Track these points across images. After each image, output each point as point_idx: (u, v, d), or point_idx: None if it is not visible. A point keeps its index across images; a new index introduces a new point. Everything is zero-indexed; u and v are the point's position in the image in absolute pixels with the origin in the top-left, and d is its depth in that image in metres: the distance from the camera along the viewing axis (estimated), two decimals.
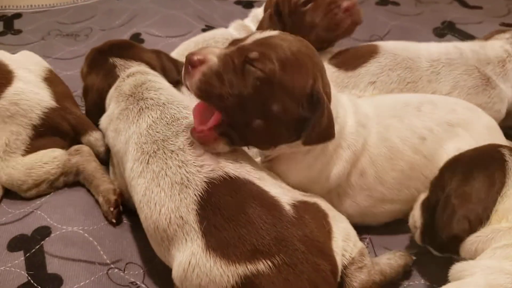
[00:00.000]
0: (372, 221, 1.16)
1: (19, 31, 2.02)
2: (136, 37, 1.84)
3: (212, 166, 0.94)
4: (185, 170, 0.95)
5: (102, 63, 1.31)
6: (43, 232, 1.10)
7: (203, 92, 0.92)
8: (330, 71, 1.33)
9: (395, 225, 1.18)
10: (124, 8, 2.05)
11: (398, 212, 1.15)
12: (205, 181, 0.92)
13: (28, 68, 1.33)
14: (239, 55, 0.92)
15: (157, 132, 1.04)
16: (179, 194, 0.93)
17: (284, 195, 0.95)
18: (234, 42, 0.99)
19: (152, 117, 1.08)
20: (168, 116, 1.07)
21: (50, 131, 1.26)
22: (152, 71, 1.29)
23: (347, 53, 1.42)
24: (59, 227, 1.11)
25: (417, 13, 2.15)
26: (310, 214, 0.93)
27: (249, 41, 0.96)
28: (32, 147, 1.24)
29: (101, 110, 1.26)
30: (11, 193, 1.22)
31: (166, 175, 0.96)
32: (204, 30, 1.90)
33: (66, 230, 1.11)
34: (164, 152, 0.99)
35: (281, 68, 0.91)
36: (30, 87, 1.27)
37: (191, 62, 0.91)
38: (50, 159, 1.22)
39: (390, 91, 1.32)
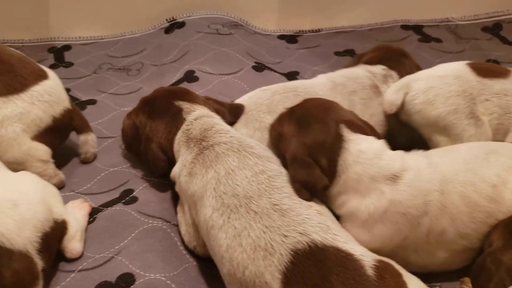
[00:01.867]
0: (448, 268, 1.18)
1: (70, 64, 2.06)
2: (190, 74, 1.87)
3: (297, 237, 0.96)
4: (269, 236, 0.96)
5: (166, 107, 1.33)
6: (127, 279, 1.12)
7: None
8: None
9: (466, 271, 1.20)
10: (174, 44, 2.09)
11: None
12: (290, 252, 0.94)
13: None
14: None
15: (237, 184, 1.06)
16: (263, 260, 0.95)
17: (367, 256, 0.97)
18: None
19: (230, 164, 1.10)
20: (247, 168, 1.09)
21: (58, 129, 1.40)
22: (215, 114, 1.32)
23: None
24: (141, 274, 1.13)
25: (459, 51, 2.19)
26: (389, 274, 0.96)
27: None
28: (38, 136, 1.35)
29: (168, 155, 1.30)
30: (88, 236, 1.25)
31: (249, 236, 0.98)
32: (254, 68, 1.93)
33: (149, 277, 1.13)
34: (248, 212, 1.01)
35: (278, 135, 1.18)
36: (59, 86, 1.44)
37: None
38: None
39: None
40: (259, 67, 1.95)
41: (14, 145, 1.29)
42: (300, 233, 0.96)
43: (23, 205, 1.04)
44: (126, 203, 1.34)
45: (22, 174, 1.17)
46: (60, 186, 1.39)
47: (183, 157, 1.22)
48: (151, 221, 1.28)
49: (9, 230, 0.99)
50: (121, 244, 1.22)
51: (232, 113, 1.39)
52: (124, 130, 1.45)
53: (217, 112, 1.36)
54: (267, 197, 1.02)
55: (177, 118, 1.29)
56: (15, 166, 1.27)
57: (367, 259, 0.96)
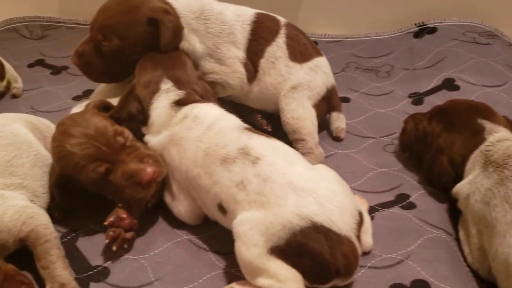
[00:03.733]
0: None
1: None
2: (450, 83, 1.81)
3: None
4: None
5: (467, 122, 1.29)
6: (423, 286, 1.11)
7: None
8: None
9: None
10: (426, 49, 2.04)
11: None
12: None
13: None
14: None
15: None
16: None
17: None
18: None
19: None
20: None
21: (326, 101, 1.59)
22: None
23: None
24: (436, 284, 1.11)
25: None
26: None
27: None
28: (316, 105, 1.56)
29: (457, 171, 1.27)
30: None
31: None
32: None
33: None
34: None
35: None
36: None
37: None
38: None
39: None
40: None
41: (300, 108, 1.49)
42: None
43: (339, 194, 1.08)
44: (404, 208, 1.33)
45: (322, 166, 1.21)
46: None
47: (477, 179, 1.17)
48: (434, 231, 1.25)
49: (335, 216, 1.03)
50: (409, 248, 1.20)
51: None
52: (406, 132, 1.45)
53: None
54: None
55: (477, 136, 1.25)
56: (296, 121, 1.49)
57: None
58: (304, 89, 1.52)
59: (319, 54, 1.62)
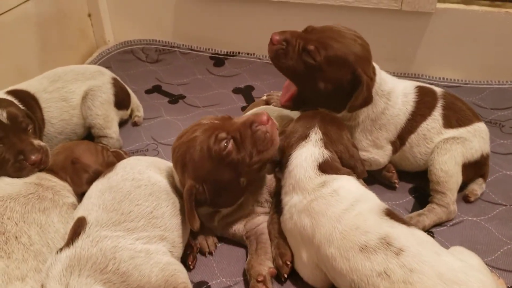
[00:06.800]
0: None
1: None
2: None
3: None
4: None
5: None
6: None
7: None
8: None
9: None
10: None
11: None
12: None
13: None
14: None
15: None
16: None
17: None
18: None
19: None
20: None
21: (479, 166, 1.58)
22: None
23: None
24: None
25: None
26: None
27: None
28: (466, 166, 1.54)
29: None
30: None
31: None
32: None
33: None
34: None
35: None
36: None
37: None
38: None
39: None
40: None
41: (452, 162, 1.49)
42: None
43: (488, 285, 1.04)
44: None
45: (463, 250, 1.18)
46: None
47: None
48: None
49: None
50: None
51: None
52: None
53: None
54: None
55: None
56: (444, 175, 1.49)
57: None
58: (458, 143, 1.50)
59: (478, 119, 1.60)
